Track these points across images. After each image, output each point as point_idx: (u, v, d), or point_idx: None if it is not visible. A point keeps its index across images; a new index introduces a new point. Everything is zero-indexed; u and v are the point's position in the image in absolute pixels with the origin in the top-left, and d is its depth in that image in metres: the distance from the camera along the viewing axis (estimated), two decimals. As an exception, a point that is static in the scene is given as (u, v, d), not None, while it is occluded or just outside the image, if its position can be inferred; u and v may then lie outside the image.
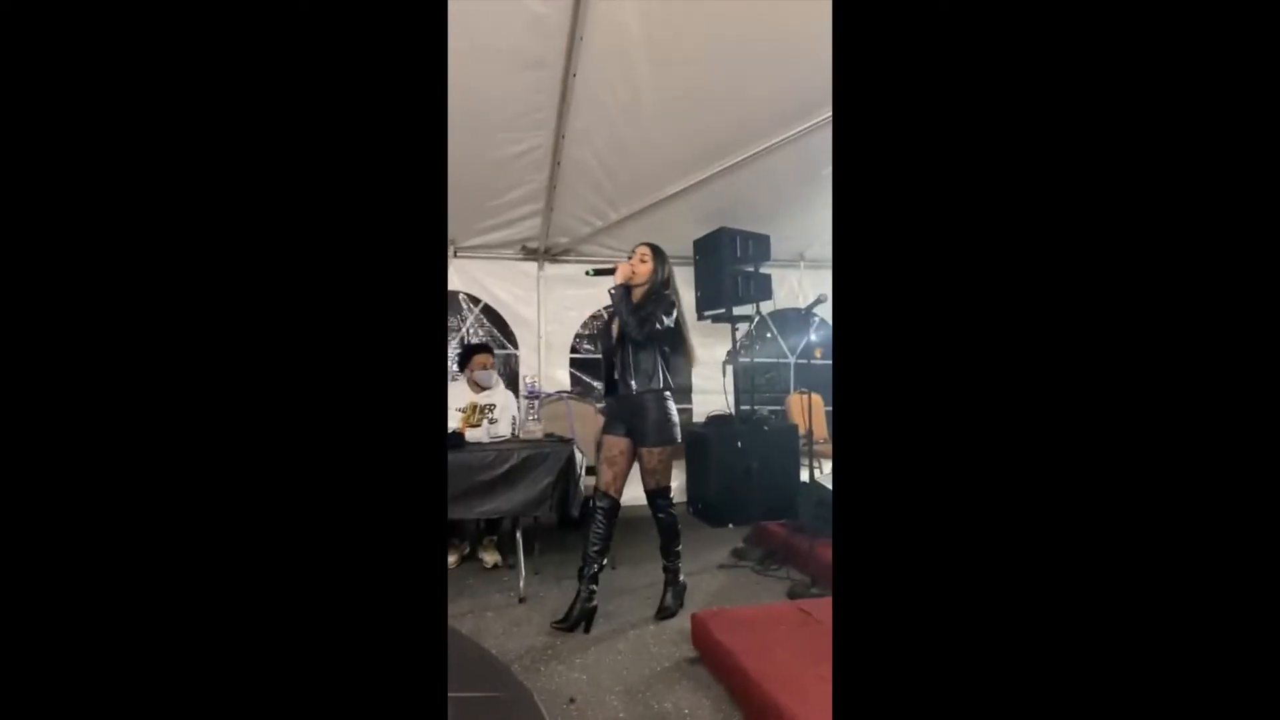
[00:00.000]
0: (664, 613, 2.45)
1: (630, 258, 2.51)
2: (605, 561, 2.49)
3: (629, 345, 2.45)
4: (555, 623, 2.33)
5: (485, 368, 3.28)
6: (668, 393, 2.47)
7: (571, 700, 1.82)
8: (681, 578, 2.57)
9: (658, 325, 2.40)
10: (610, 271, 2.51)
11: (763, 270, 3.92)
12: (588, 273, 2.65)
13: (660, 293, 2.48)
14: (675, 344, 2.51)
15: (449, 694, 0.86)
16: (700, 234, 4.05)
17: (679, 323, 2.49)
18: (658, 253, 2.53)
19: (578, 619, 2.32)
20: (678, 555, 2.55)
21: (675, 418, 2.48)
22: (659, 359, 2.44)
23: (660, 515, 2.49)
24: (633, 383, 2.43)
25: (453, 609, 2.53)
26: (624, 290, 2.44)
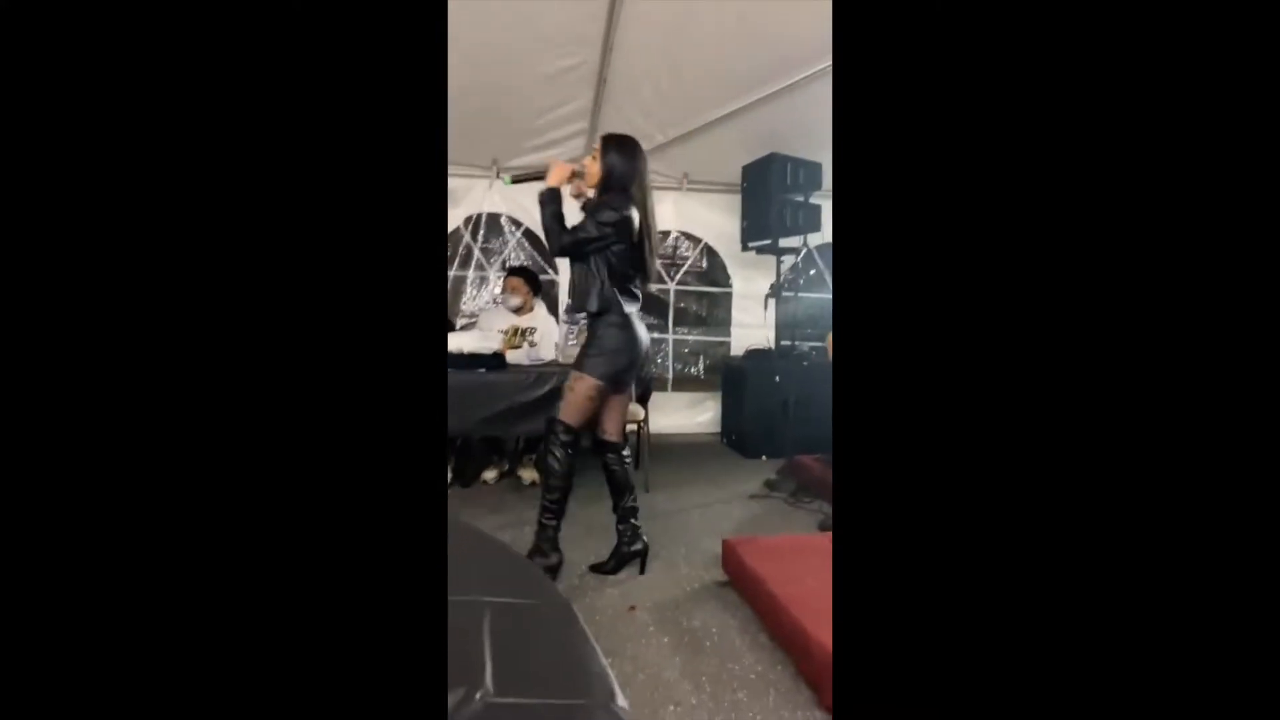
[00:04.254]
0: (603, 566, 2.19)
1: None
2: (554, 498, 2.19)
3: (570, 260, 2.11)
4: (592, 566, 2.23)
5: (511, 291, 3.35)
6: (606, 316, 2.05)
7: (631, 608, 1.94)
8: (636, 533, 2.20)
9: (581, 235, 2.00)
10: (539, 177, 2.10)
11: (813, 200, 3.73)
12: (505, 182, 2.24)
13: (606, 193, 2.05)
14: (625, 255, 2.04)
15: (489, 599, 0.90)
16: (751, 160, 3.88)
17: (627, 230, 2.01)
18: (614, 145, 2.06)
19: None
20: (627, 512, 2.22)
21: (602, 345, 2.05)
22: (596, 274, 2.03)
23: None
24: (569, 302, 2.12)
25: (491, 522, 2.64)
26: (552, 194, 2.05)
